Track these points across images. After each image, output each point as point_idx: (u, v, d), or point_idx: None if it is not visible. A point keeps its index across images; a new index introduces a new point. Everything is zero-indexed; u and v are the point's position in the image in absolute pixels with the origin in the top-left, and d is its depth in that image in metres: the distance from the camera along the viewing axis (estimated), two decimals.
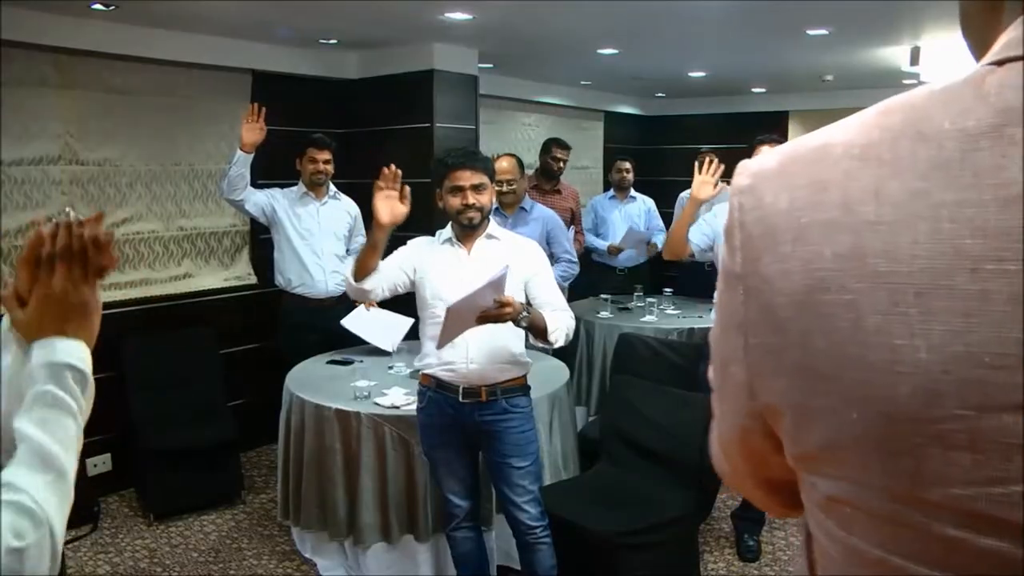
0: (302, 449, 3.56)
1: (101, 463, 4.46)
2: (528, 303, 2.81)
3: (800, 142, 0.65)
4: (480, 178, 2.82)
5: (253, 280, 5.25)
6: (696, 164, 3.81)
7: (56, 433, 1.00)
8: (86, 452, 1.06)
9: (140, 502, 4.40)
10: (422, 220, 5.14)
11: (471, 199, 2.79)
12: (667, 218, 6.14)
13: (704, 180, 3.77)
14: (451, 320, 2.56)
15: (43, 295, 1.10)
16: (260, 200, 4.46)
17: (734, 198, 0.66)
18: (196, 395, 4.49)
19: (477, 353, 2.81)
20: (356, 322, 4.33)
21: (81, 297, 1.11)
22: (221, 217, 5.11)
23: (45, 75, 4.22)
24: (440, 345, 2.71)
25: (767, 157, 0.66)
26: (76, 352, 1.08)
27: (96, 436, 4.28)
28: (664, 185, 7.41)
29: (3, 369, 1.12)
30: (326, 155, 4.55)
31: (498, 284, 2.53)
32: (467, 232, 2.88)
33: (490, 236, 2.89)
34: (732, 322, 0.66)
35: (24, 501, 0.92)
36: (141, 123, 4.66)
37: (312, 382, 3.77)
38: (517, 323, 2.63)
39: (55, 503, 0.95)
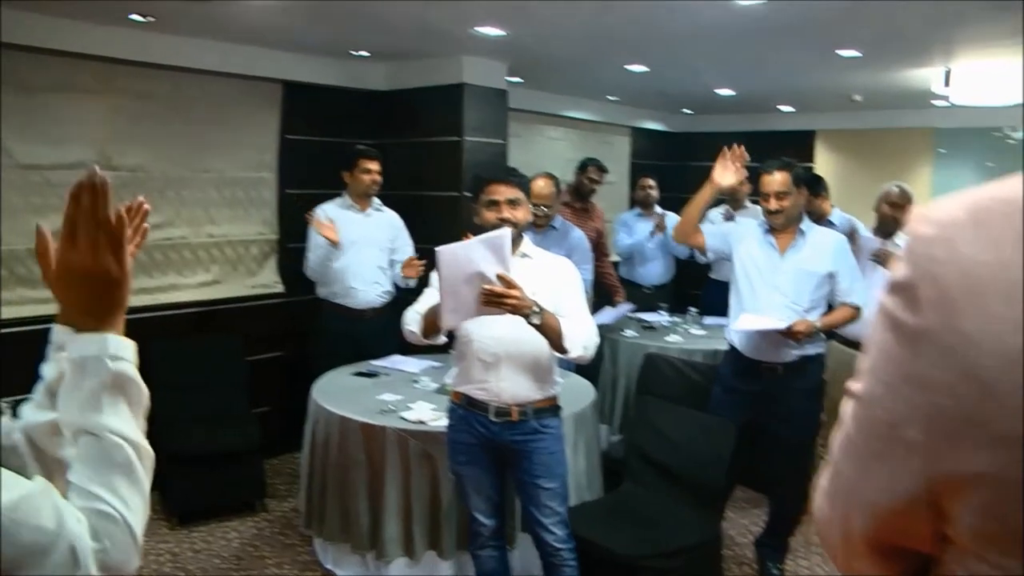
0: (327, 460, 3.57)
1: None
2: None
3: (986, 193, 0.61)
4: (516, 193, 2.82)
5: (280, 288, 5.28)
6: (724, 150, 3.78)
7: (118, 425, 0.99)
8: None
9: (163, 505, 4.41)
10: (450, 232, 5.19)
11: (506, 213, 2.78)
12: None
13: (725, 167, 3.74)
14: (447, 279, 2.51)
15: (62, 264, 1.01)
16: (318, 242, 4.48)
17: (917, 247, 0.62)
18: (221, 401, 4.52)
19: (510, 372, 2.80)
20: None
21: (103, 267, 1.00)
22: (249, 225, 5.15)
23: (83, 82, 4.29)
24: (444, 322, 2.62)
25: (948, 206, 0.62)
26: (119, 348, 1.02)
27: None
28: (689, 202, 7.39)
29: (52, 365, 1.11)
30: (377, 164, 4.58)
31: (496, 247, 2.51)
32: None
33: (524, 255, 2.87)
34: (910, 381, 0.61)
35: (100, 507, 0.93)
36: (173, 130, 4.71)
37: (338, 393, 3.78)
38: (528, 319, 2.58)
39: (129, 498, 0.97)
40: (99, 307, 1.02)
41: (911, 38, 4.24)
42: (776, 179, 3.55)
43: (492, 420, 2.83)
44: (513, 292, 2.52)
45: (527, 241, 2.93)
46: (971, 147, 7.35)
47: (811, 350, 3.62)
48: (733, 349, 3.77)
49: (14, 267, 4.12)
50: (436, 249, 2.50)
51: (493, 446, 2.87)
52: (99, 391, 0.99)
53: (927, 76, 5.41)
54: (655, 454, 3.57)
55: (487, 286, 2.51)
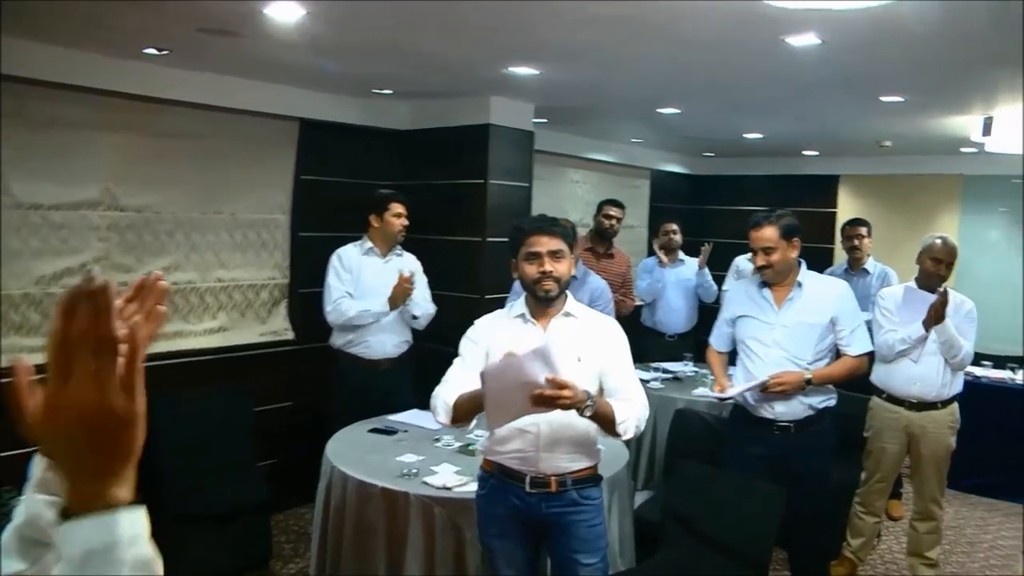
0: (342, 525, 3.31)
1: None
2: (600, 390, 2.58)
3: None
4: (559, 244, 2.60)
5: (290, 336, 5.05)
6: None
7: None
8: None
9: (164, 567, 4.14)
10: (469, 279, 5.01)
11: (548, 266, 2.57)
12: (717, 280, 5.95)
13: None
14: (492, 394, 2.31)
15: (51, 407, 0.73)
16: (348, 292, 4.29)
17: None
18: (226, 454, 4.24)
19: (549, 441, 2.56)
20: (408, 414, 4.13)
21: (108, 405, 0.72)
22: (260, 269, 4.93)
23: (89, 117, 4.08)
24: (490, 424, 2.46)
25: None
26: (134, 527, 0.74)
27: None
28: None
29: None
30: (406, 208, 4.37)
31: (543, 355, 2.28)
32: (542, 306, 2.64)
33: (568, 314, 2.65)
34: None
35: None
36: (184, 169, 4.51)
37: (354, 453, 3.52)
38: (581, 413, 2.37)
39: None
40: (102, 461, 0.73)
41: (955, 83, 4.09)
42: (763, 234, 3.39)
43: (528, 491, 2.59)
44: (565, 393, 2.27)
45: (570, 298, 2.70)
46: (992, 193, 7.22)
47: (819, 403, 3.44)
48: (739, 406, 3.59)
49: (9, 314, 3.88)
50: (481, 373, 2.32)
51: (528, 518, 2.63)
52: None
53: (960, 123, 5.27)
54: (695, 520, 3.32)
55: (538, 390, 2.27)
